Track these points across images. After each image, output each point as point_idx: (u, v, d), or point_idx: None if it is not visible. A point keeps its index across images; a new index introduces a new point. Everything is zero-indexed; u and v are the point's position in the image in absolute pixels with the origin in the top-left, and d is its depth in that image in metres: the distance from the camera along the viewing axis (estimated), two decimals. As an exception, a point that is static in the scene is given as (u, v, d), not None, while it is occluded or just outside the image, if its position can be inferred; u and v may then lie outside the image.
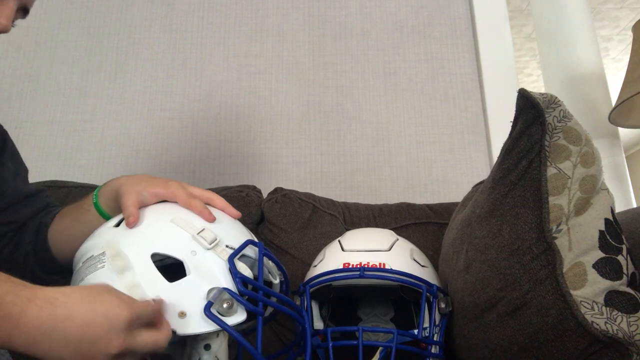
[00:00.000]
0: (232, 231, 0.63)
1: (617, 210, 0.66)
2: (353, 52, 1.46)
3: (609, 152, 1.82)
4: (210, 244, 0.57)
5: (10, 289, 0.43)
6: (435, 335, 0.74)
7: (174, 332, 0.52)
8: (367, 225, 1.05)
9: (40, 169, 1.35)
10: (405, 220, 1.05)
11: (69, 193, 1.12)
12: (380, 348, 0.71)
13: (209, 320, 0.52)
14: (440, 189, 1.34)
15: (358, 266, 0.74)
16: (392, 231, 0.89)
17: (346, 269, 0.75)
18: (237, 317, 0.54)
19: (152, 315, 0.50)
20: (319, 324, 0.82)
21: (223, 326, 0.52)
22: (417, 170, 1.36)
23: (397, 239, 0.83)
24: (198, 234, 0.57)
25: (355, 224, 1.06)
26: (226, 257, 0.57)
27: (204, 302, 0.53)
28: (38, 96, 1.44)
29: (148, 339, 0.48)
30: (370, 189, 1.34)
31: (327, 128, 1.40)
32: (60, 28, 1.49)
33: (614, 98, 1.83)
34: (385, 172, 1.36)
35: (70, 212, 0.76)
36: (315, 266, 0.82)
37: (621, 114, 1.76)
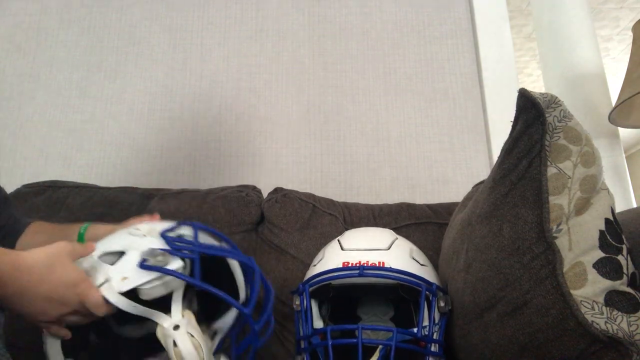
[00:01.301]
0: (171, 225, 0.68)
1: (617, 210, 0.66)
2: (353, 52, 1.46)
3: (609, 152, 1.82)
4: (145, 234, 0.64)
5: None
6: (435, 334, 0.74)
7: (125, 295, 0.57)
8: (367, 225, 1.05)
9: (40, 169, 1.35)
10: (405, 220, 1.05)
11: (69, 193, 1.12)
12: (380, 346, 0.71)
13: (148, 271, 0.58)
14: (440, 189, 1.34)
15: (357, 265, 0.74)
16: (391, 230, 0.89)
17: (345, 267, 0.75)
18: (173, 265, 0.59)
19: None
20: (318, 323, 0.82)
21: (162, 271, 0.58)
22: (417, 170, 1.36)
23: (397, 238, 0.83)
24: (136, 228, 0.65)
25: (355, 224, 1.06)
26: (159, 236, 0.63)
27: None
28: (38, 96, 1.44)
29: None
30: (370, 189, 1.34)
31: (327, 128, 1.40)
32: (60, 28, 1.49)
33: (614, 98, 1.83)
34: (385, 172, 1.36)
35: (48, 231, 0.80)
36: (315, 265, 0.82)
37: (621, 114, 1.76)
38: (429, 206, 1.10)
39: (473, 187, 0.96)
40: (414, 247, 0.83)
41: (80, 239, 0.77)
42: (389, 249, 0.79)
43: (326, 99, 1.42)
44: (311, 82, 1.44)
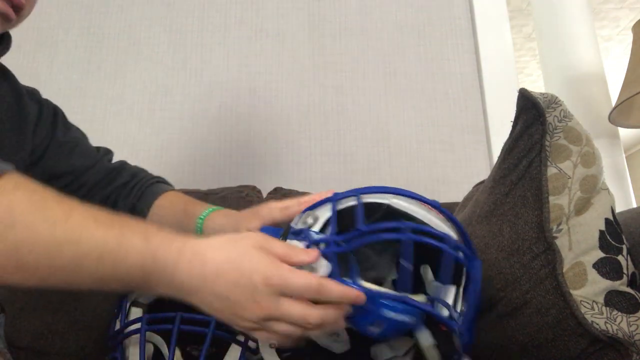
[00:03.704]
0: None
1: (617, 210, 0.66)
2: (353, 52, 1.46)
3: (609, 152, 1.82)
4: None
5: (162, 242, 0.45)
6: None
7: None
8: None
9: (40, 169, 1.35)
10: (405, 220, 1.05)
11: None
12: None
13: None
14: (440, 189, 1.34)
15: None
16: None
17: None
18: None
19: (303, 290, 0.45)
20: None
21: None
22: (417, 170, 1.36)
23: None
24: None
25: (355, 224, 1.05)
26: None
27: None
28: (38, 96, 1.43)
29: (295, 310, 0.45)
30: (370, 189, 1.34)
31: (327, 128, 1.40)
32: (60, 28, 1.49)
33: (614, 98, 1.83)
34: (385, 172, 1.36)
35: (176, 218, 0.75)
36: None
37: (621, 114, 1.76)
38: (429, 206, 1.10)
39: (473, 187, 0.96)
40: None
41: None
42: None
43: (326, 99, 1.42)
44: (311, 82, 1.44)
